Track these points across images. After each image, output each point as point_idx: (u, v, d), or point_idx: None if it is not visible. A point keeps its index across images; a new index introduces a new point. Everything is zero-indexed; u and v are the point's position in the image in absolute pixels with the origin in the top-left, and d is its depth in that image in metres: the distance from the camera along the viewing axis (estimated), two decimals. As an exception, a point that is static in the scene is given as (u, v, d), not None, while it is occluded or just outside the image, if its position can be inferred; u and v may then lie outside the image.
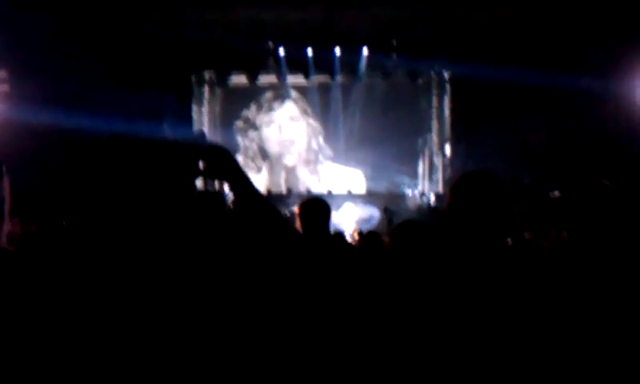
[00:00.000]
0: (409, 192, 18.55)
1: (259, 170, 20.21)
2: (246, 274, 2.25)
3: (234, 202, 2.20)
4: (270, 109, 20.37)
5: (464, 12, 16.85)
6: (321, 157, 20.34)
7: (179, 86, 18.69)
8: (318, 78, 19.62)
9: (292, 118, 20.37)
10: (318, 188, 18.74)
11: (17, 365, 2.14)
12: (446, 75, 19.95)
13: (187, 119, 19.53)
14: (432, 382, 2.15)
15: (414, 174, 20.14)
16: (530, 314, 2.13)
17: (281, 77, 19.55)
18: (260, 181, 19.74)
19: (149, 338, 2.06)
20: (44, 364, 2.12)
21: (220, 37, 17.07)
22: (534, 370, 2.09)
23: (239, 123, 20.36)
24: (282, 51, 18.49)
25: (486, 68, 15.88)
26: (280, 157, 20.32)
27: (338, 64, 18.82)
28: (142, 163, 2.14)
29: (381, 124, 19.18)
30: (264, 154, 20.41)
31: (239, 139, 20.25)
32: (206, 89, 20.63)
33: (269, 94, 20.34)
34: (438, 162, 20.17)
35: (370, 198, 18.36)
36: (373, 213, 16.75)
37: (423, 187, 19.74)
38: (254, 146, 20.38)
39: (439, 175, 20.05)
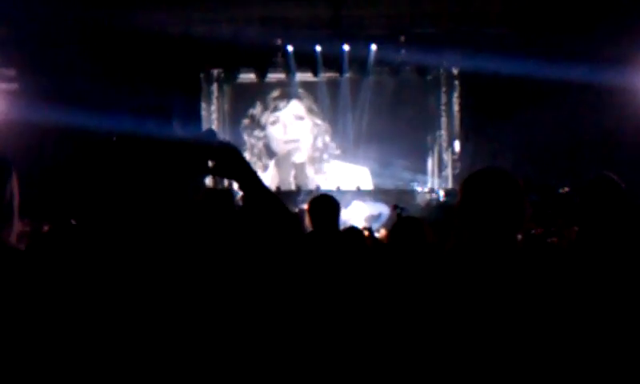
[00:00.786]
0: (418, 188, 18.52)
1: (265, 167, 20.23)
2: (255, 272, 2.25)
3: (243, 199, 2.19)
4: (276, 108, 20.38)
5: (472, 7, 16.80)
6: (326, 155, 20.34)
7: (188, 83, 18.72)
8: (326, 75, 19.61)
9: (297, 117, 20.37)
10: (327, 185, 18.74)
11: (26, 364, 2.14)
12: (455, 71, 19.91)
13: (196, 117, 19.57)
14: (441, 378, 2.14)
15: (422, 171, 20.13)
16: (542, 312, 2.12)
17: (289, 74, 19.56)
18: (267, 178, 19.77)
19: (160, 336, 2.06)
20: (54, 363, 2.12)
21: (228, 34, 17.07)
22: (545, 369, 2.08)
23: (245, 121, 20.39)
24: (290, 48, 18.48)
25: (495, 64, 15.84)
26: (288, 155, 20.34)
27: (346, 60, 18.79)
28: (150, 162, 2.14)
29: (390, 120, 19.17)
30: (270, 152, 20.42)
31: (245, 137, 20.28)
32: (215, 86, 20.65)
33: (275, 93, 20.34)
34: (447, 158, 20.15)
35: (379, 194, 18.34)
36: (382, 210, 16.72)
37: (432, 184, 19.72)
38: (260, 145, 20.40)
39: (448, 171, 20.03)
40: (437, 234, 4.17)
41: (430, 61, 18.75)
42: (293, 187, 19.35)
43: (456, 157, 19.71)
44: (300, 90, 20.22)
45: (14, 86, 14.50)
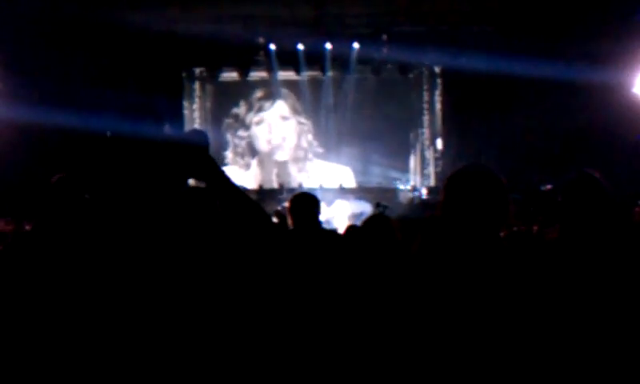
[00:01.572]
0: (400, 186, 18.56)
1: (248, 166, 20.20)
2: (234, 269, 2.24)
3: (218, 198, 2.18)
4: (261, 108, 20.34)
5: (454, 6, 16.84)
6: (310, 154, 20.35)
7: (170, 82, 18.65)
8: (309, 73, 19.60)
9: (283, 117, 20.35)
10: (309, 183, 18.74)
11: (15, 364, 2.13)
12: (437, 69, 19.99)
13: (179, 116, 19.49)
14: (427, 377, 2.15)
15: (405, 169, 20.21)
16: (523, 308, 2.13)
17: (272, 72, 19.52)
18: (250, 177, 19.75)
19: (142, 333, 2.05)
20: (42, 362, 2.11)
21: (210, 32, 17.00)
22: (530, 364, 2.10)
23: (229, 121, 20.33)
24: (272, 46, 18.45)
25: (477, 62, 15.90)
26: (270, 153, 20.31)
27: (328, 59, 18.79)
28: (128, 162, 2.13)
29: (372, 118, 19.24)
30: (253, 151, 20.37)
31: (228, 136, 20.23)
32: (197, 85, 20.60)
33: (258, 93, 20.30)
34: (429, 156, 20.23)
35: (361, 192, 18.38)
36: (364, 208, 16.74)
37: (415, 181, 19.78)
38: (244, 144, 20.34)
39: (431, 169, 20.11)
40: (418, 231, 4.19)
41: (413, 59, 18.81)
42: (275, 185, 19.34)
43: (438, 155, 19.79)
44: (283, 89, 20.18)
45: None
